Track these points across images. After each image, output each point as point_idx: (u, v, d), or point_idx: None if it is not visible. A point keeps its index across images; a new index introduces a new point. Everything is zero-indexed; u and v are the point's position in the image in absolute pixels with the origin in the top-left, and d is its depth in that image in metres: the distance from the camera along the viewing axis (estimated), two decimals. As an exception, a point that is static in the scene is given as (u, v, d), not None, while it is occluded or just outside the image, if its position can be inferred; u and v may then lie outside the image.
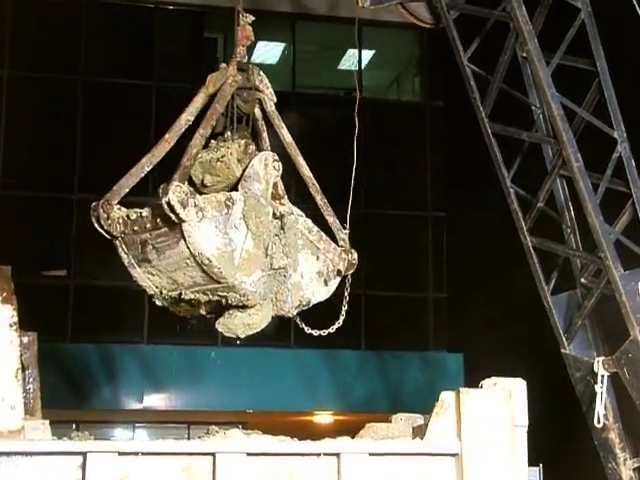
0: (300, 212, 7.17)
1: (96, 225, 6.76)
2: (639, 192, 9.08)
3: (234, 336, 7.08)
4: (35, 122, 20.08)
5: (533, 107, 9.79)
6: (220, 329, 7.04)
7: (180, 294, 6.68)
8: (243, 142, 6.99)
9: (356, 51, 23.05)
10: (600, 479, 9.84)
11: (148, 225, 6.54)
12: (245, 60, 7.27)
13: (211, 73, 7.27)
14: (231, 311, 6.86)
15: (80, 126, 21.32)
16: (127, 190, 6.76)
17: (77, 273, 20.94)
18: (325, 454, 5.68)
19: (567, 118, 9.00)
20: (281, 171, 6.99)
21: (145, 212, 6.61)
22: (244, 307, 6.73)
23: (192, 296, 6.68)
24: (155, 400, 20.45)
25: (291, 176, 7.41)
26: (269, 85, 7.30)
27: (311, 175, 7.29)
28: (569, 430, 12.71)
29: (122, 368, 20.01)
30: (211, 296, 6.68)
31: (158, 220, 6.48)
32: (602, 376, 9.01)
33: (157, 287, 6.76)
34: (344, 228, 7.48)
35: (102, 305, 20.70)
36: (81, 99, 21.50)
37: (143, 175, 6.83)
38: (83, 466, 5.50)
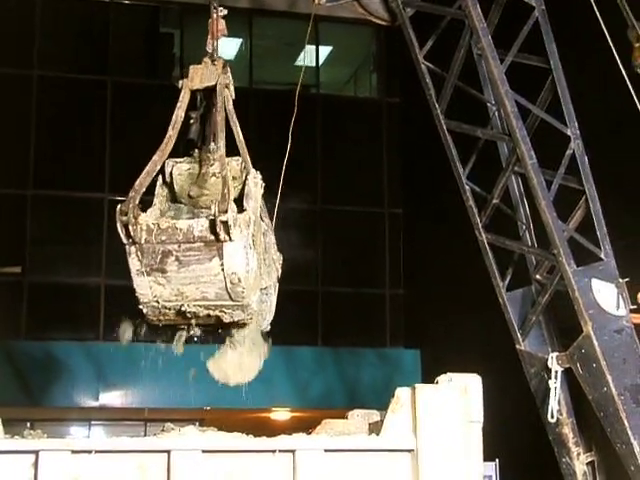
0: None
1: (120, 228, 6.53)
2: (592, 189, 9.14)
3: (225, 381, 7.21)
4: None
5: (489, 104, 9.84)
6: (211, 370, 7.11)
7: (181, 305, 6.59)
8: (240, 160, 6.99)
9: (313, 47, 23.07)
10: (555, 474, 9.93)
11: (180, 237, 6.44)
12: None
13: (193, 65, 7.25)
14: (222, 350, 6.94)
15: (34, 121, 21.12)
16: (144, 189, 6.70)
17: (32, 270, 20.75)
18: (280, 451, 5.68)
19: (521, 115, 9.05)
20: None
21: (180, 224, 6.51)
22: (241, 325, 6.76)
23: (193, 310, 6.61)
24: (111, 398, 20.33)
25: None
26: (232, 81, 7.31)
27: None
28: (525, 425, 12.81)
29: (77, 365, 19.86)
30: (213, 311, 6.63)
31: (194, 235, 6.42)
32: (556, 372, 9.07)
33: (155, 296, 6.63)
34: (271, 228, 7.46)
35: (57, 302, 20.54)
36: (35, 94, 21.30)
37: (155, 173, 6.77)
38: (35, 465, 5.45)
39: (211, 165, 6.96)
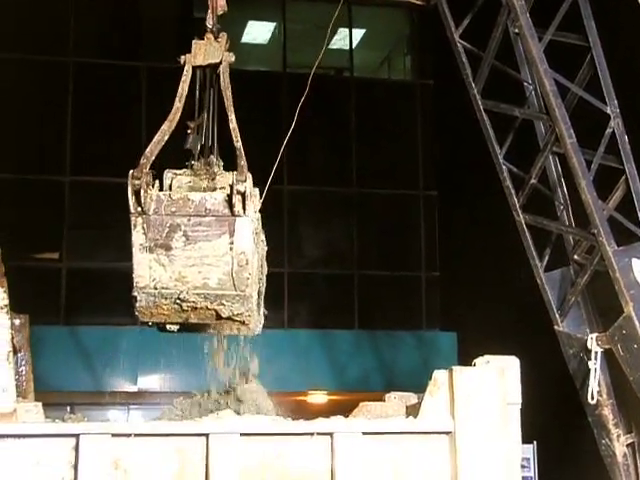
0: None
1: (131, 195, 6.31)
2: (632, 168, 9.05)
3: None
4: (25, 105, 19.98)
5: (525, 83, 9.75)
6: None
7: (180, 292, 6.34)
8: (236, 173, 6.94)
9: (347, 30, 22.98)
10: (594, 456, 9.86)
11: (191, 210, 6.25)
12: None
13: (195, 40, 7.22)
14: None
15: (70, 108, 21.22)
16: (154, 158, 6.57)
17: (69, 255, 20.89)
18: (318, 434, 5.66)
19: (559, 94, 8.96)
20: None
21: (192, 196, 6.33)
22: (240, 323, 6.54)
23: (192, 299, 6.35)
24: (149, 382, 20.45)
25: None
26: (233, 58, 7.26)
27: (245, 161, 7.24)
28: (563, 407, 12.73)
29: (115, 350, 20.00)
30: (212, 303, 6.38)
31: (206, 208, 6.24)
32: (596, 352, 9.01)
33: (154, 280, 6.38)
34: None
35: (94, 287, 20.67)
36: (71, 81, 21.40)
37: (164, 143, 6.68)
38: (76, 448, 5.47)
39: (212, 179, 6.86)
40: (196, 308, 6.42)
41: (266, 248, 7.17)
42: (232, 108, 6.76)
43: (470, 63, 9.68)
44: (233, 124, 6.68)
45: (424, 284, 22.81)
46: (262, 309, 7.11)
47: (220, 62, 7.03)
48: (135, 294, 6.51)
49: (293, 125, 8.15)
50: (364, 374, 20.30)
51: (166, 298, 6.39)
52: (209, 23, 7.23)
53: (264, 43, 23.12)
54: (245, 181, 6.21)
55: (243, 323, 6.51)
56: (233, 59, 7.11)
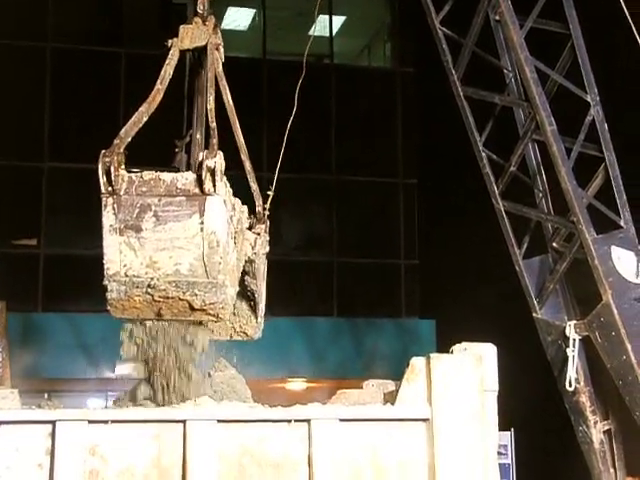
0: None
1: (101, 175, 6.18)
2: (611, 156, 9.07)
3: None
4: (2, 90, 19.82)
5: (505, 71, 9.74)
6: None
7: (151, 279, 6.20)
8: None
9: (327, 17, 22.93)
10: (571, 442, 9.90)
11: (162, 190, 6.15)
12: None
13: (183, 25, 7.16)
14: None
15: (49, 94, 21.09)
16: (129, 139, 6.48)
17: (47, 242, 20.79)
18: (296, 420, 5.65)
19: (540, 81, 8.96)
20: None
21: (164, 176, 6.23)
22: (213, 316, 6.37)
23: (164, 286, 6.20)
24: (128, 369, 20.38)
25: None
26: (222, 43, 7.21)
27: (243, 141, 7.19)
28: (541, 394, 12.78)
29: (94, 337, 19.91)
30: (184, 293, 6.22)
31: (177, 188, 6.14)
32: (574, 340, 9.05)
33: (125, 265, 6.23)
34: (266, 198, 7.32)
35: (73, 274, 20.57)
36: (49, 67, 21.26)
37: (142, 125, 6.59)
38: (52, 435, 5.44)
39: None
40: (168, 298, 6.27)
41: (267, 248, 7.14)
42: (212, 90, 6.71)
43: (450, 50, 9.67)
44: (210, 105, 6.64)
45: (403, 272, 22.83)
46: (262, 313, 7.14)
47: (207, 45, 6.98)
48: (106, 283, 6.37)
49: (294, 112, 8.07)
50: (343, 361, 20.33)
51: (137, 287, 6.25)
52: (199, 8, 7.15)
53: (244, 30, 23.04)
54: (215, 157, 6.14)
55: (217, 317, 6.34)
56: (220, 41, 7.06)
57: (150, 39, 22.16)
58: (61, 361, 19.66)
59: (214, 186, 6.09)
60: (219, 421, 5.61)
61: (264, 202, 7.31)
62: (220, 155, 6.19)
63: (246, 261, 6.89)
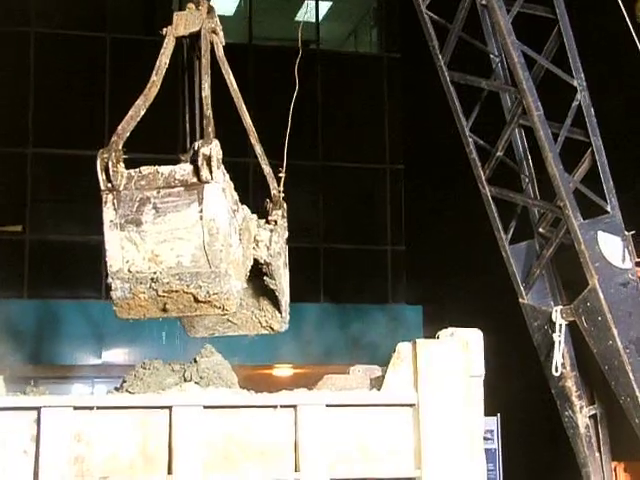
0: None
1: (100, 173, 6.18)
2: (598, 141, 9.06)
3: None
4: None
5: (492, 56, 9.72)
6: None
7: (154, 273, 6.15)
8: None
9: (313, 2, 22.85)
10: (557, 427, 9.93)
11: (160, 182, 6.13)
12: None
13: (177, 12, 7.08)
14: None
15: (33, 80, 20.97)
16: (128, 135, 6.45)
17: (33, 228, 20.71)
18: (282, 406, 5.63)
19: (527, 66, 8.94)
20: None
21: (162, 169, 6.20)
22: (218, 308, 6.30)
23: (167, 279, 6.15)
24: (113, 355, 20.36)
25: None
26: (221, 27, 7.13)
27: (251, 124, 7.13)
28: (527, 379, 12.81)
29: (80, 324, 19.87)
30: (188, 286, 6.18)
31: (175, 179, 6.12)
32: (560, 325, 9.06)
33: (128, 261, 6.19)
34: (279, 180, 7.27)
35: (58, 261, 20.52)
36: (33, 52, 21.14)
37: (139, 118, 6.54)
38: (38, 421, 5.42)
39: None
40: (172, 291, 6.22)
41: (287, 234, 7.08)
42: (207, 77, 6.62)
43: (437, 35, 9.64)
44: (206, 92, 6.56)
45: (390, 258, 22.84)
46: (286, 307, 7.08)
47: (201, 30, 6.89)
48: (110, 281, 6.30)
49: (295, 97, 7.98)
50: (330, 347, 20.33)
51: (141, 283, 6.21)
52: None
53: (230, 15, 22.95)
54: (211, 145, 6.11)
55: (223, 309, 6.29)
56: (215, 25, 6.97)
57: (134, 25, 22.11)
58: (47, 347, 19.62)
59: (211, 173, 6.05)
60: (205, 407, 5.58)
61: (275, 188, 7.23)
62: (216, 143, 6.14)
63: (262, 263, 6.83)
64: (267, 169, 7.21)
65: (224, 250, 6.10)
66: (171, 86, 6.92)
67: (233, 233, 6.25)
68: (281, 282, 7.04)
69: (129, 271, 6.21)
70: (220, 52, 6.94)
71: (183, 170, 6.15)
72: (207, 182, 6.05)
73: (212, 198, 6.06)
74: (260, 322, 7.27)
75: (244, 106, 7.03)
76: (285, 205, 7.22)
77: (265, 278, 6.93)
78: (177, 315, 6.42)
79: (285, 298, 7.15)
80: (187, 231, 6.08)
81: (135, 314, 6.39)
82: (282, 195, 7.21)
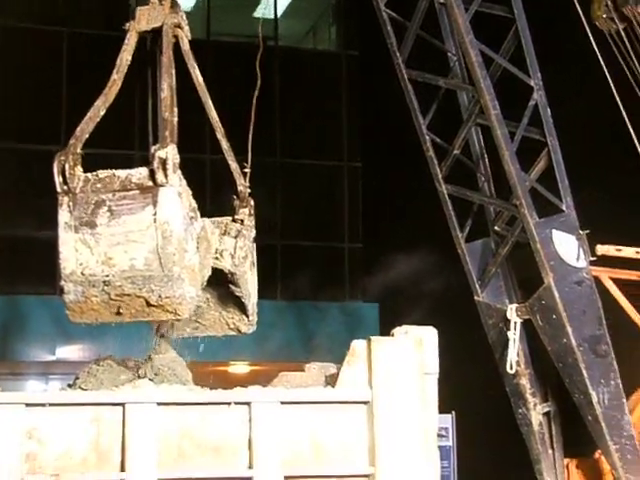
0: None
1: (57, 176, 6.17)
2: (554, 140, 9.12)
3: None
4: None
5: (449, 54, 9.75)
6: None
7: (107, 276, 6.10)
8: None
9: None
10: (511, 425, 9.99)
11: (116, 185, 6.10)
12: None
13: (140, 7, 6.99)
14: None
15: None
16: (87, 136, 6.39)
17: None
18: (236, 403, 5.61)
19: (484, 65, 8.98)
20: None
21: (119, 172, 6.16)
22: (171, 313, 6.23)
23: (119, 283, 6.10)
24: (68, 352, 20.21)
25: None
26: (186, 21, 7.05)
27: (218, 119, 7.09)
28: (482, 377, 12.87)
29: (34, 319, 19.70)
30: (140, 289, 6.13)
31: (131, 182, 6.09)
32: (515, 323, 9.11)
33: (81, 264, 6.14)
34: (245, 175, 7.24)
35: (14, 255, 20.33)
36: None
37: (98, 119, 6.47)
38: (-11, 418, 5.35)
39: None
40: (124, 295, 6.17)
41: (254, 232, 7.05)
42: (168, 76, 6.53)
43: (395, 33, 9.65)
44: (164, 93, 6.49)
45: (347, 255, 22.86)
46: (253, 310, 7.19)
47: (163, 25, 6.80)
48: (62, 284, 6.25)
49: (256, 93, 7.92)
50: (287, 345, 20.32)
51: (94, 286, 6.16)
52: None
53: (188, 11, 22.85)
54: (167, 148, 6.08)
55: (175, 314, 6.21)
56: (179, 20, 6.87)
57: (93, 19, 21.94)
58: (0, 343, 19.43)
59: (166, 177, 6.02)
60: (159, 404, 5.55)
61: (242, 184, 7.18)
62: (173, 147, 6.12)
63: (227, 273, 6.80)
64: (234, 165, 7.16)
65: (178, 254, 6.06)
66: (132, 80, 6.85)
67: (190, 240, 6.21)
68: (247, 287, 7.04)
69: (82, 274, 6.15)
70: (186, 46, 6.85)
71: (139, 174, 6.11)
72: (162, 185, 6.02)
73: (167, 201, 6.04)
74: (228, 324, 7.28)
75: (210, 101, 6.98)
76: (252, 202, 7.20)
77: (231, 286, 6.91)
78: (130, 320, 6.32)
79: (252, 300, 7.17)
80: (141, 234, 6.04)
81: (88, 318, 6.34)
82: (249, 191, 7.18)
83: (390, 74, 9.83)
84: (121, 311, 6.24)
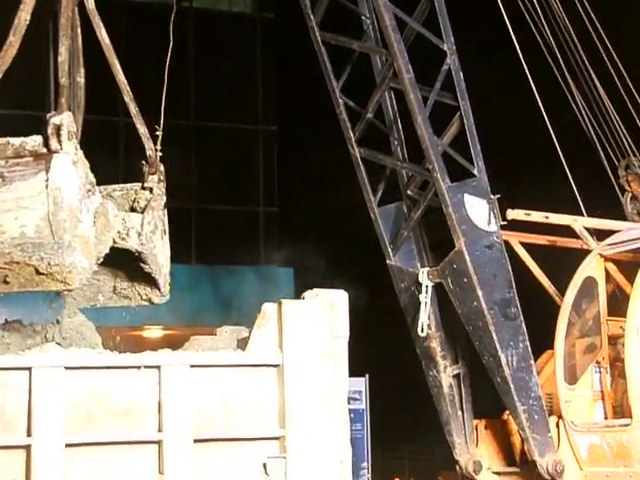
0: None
1: None
2: (467, 105, 9.16)
3: None
4: None
5: (363, 17, 9.72)
6: None
7: None
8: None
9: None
10: (422, 387, 10.10)
11: (10, 152, 5.99)
12: None
13: None
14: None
15: None
16: None
17: None
18: (145, 367, 5.56)
19: (398, 29, 8.97)
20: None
21: (13, 140, 6.04)
22: (60, 282, 6.08)
23: (8, 250, 5.92)
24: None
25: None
26: None
27: (126, 82, 6.93)
28: (394, 340, 13.00)
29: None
30: (30, 257, 5.96)
31: (25, 149, 5.99)
32: (426, 286, 9.18)
33: None
34: (156, 139, 7.10)
35: None
36: None
37: None
38: None
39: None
40: (14, 263, 5.99)
41: (164, 199, 6.93)
42: (65, 39, 6.32)
43: (308, -6, 9.58)
44: (62, 57, 6.30)
45: (263, 219, 22.81)
46: (165, 281, 7.09)
47: None
48: None
49: (169, 55, 7.73)
50: (201, 309, 20.23)
51: None
52: None
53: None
54: (62, 114, 5.95)
55: (65, 283, 6.07)
56: None
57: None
58: None
59: (60, 144, 5.92)
60: (66, 368, 5.47)
61: (150, 148, 7.03)
62: (69, 114, 6.01)
63: (135, 252, 6.68)
64: (142, 129, 7.00)
65: (69, 221, 5.94)
66: (41, 35, 6.64)
67: (85, 211, 6.09)
68: (157, 262, 6.93)
69: None
70: (91, 4, 6.66)
71: (34, 141, 6.02)
72: (56, 152, 5.92)
73: (60, 168, 5.93)
74: (140, 295, 7.20)
75: (117, 63, 6.82)
76: (162, 167, 7.07)
77: (140, 263, 6.82)
78: (19, 289, 6.17)
79: (164, 271, 7.08)
80: (32, 200, 5.90)
81: None
82: (160, 154, 7.05)
83: (305, 37, 9.76)
84: (8, 280, 6.09)
